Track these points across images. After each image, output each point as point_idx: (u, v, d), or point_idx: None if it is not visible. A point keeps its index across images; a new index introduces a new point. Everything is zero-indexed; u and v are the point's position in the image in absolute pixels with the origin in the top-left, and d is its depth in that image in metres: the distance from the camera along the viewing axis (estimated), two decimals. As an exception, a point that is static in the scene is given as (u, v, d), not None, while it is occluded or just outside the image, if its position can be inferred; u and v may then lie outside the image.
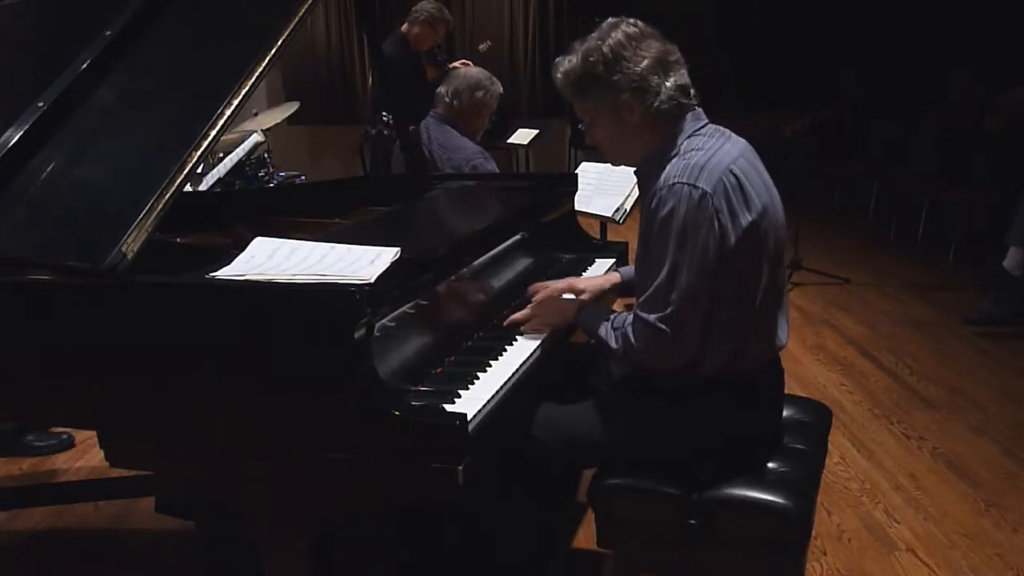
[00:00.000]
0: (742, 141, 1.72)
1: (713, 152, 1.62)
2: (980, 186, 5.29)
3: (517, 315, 1.91)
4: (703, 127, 1.70)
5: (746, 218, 1.59)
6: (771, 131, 4.99)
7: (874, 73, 7.22)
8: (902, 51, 7.48)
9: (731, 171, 1.60)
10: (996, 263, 4.18)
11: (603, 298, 2.04)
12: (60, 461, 2.95)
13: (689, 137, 1.67)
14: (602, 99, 1.68)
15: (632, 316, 1.67)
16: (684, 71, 1.69)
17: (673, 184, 1.58)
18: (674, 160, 1.64)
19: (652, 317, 1.61)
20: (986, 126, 5.57)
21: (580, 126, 1.78)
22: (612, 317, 1.76)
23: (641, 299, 1.65)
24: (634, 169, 1.80)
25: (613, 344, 1.70)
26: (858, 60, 7.32)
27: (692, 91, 1.69)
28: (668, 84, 1.65)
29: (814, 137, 6.20)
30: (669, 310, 1.59)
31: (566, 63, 1.71)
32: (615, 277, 2.09)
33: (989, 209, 5.21)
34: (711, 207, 1.56)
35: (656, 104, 1.65)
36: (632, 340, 1.65)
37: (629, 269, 2.10)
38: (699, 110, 1.71)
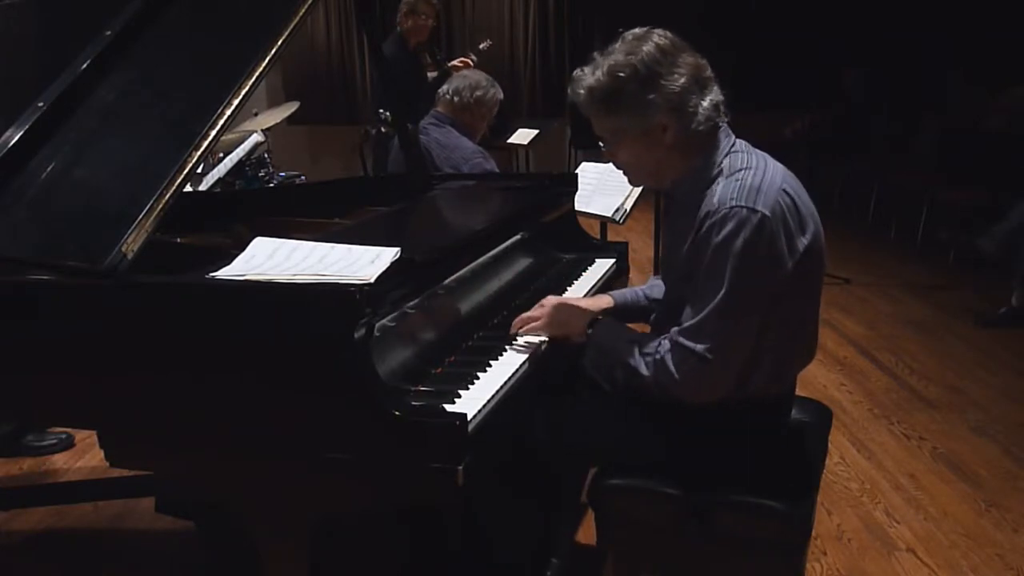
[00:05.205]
0: (768, 155, 1.64)
1: (763, 171, 1.54)
2: (980, 186, 5.30)
3: (521, 317, 1.83)
4: (735, 144, 1.62)
5: (802, 242, 1.53)
6: (771, 131, 4.99)
7: (875, 73, 7.22)
8: (902, 51, 7.48)
9: (785, 191, 1.52)
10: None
11: None
12: (60, 461, 2.95)
13: (727, 156, 1.59)
14: (632, 119, 1.56)
15: (671, 343, 1.56)
16: (717, 87, 1.58)
17: (732, 208, 1.48)
18: (722, 181, 1.54)
19: (700, 347, 1.51)
20: (986, 126, 5.57)
21: (601, 144, 1.66)
22: (638, 340, 1.65)
23: (686, 325, 1.55)
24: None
25: (644, 371, 1.59)
26: (859, 60, 7.31)
27: (723, 108, 1.59)
28: (705, 104, 1.55)
29: (814, 137, 6.20)
30: (719, 340, 1.51)
31: (590, 78, 1.56)
32: (606, 301, 1.94)
33: (989, 209, 5.21)
34: (770, 231, 1.47)
35: (692, 126, 1.55)
36: (672, 369, 1.54)
37: (623, 293, 2.00)
38: (726, 125, 1.62)
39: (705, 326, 1.52)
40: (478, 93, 3.25)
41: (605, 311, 1.92)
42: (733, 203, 1.49)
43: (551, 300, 1.86)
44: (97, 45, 1.85)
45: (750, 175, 1.53)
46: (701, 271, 1.54)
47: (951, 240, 5.04)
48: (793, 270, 1.52)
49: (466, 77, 3.34)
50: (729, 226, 1.48)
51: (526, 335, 1.80)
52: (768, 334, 1.56)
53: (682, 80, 1.53)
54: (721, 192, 1.53)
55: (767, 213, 1.48)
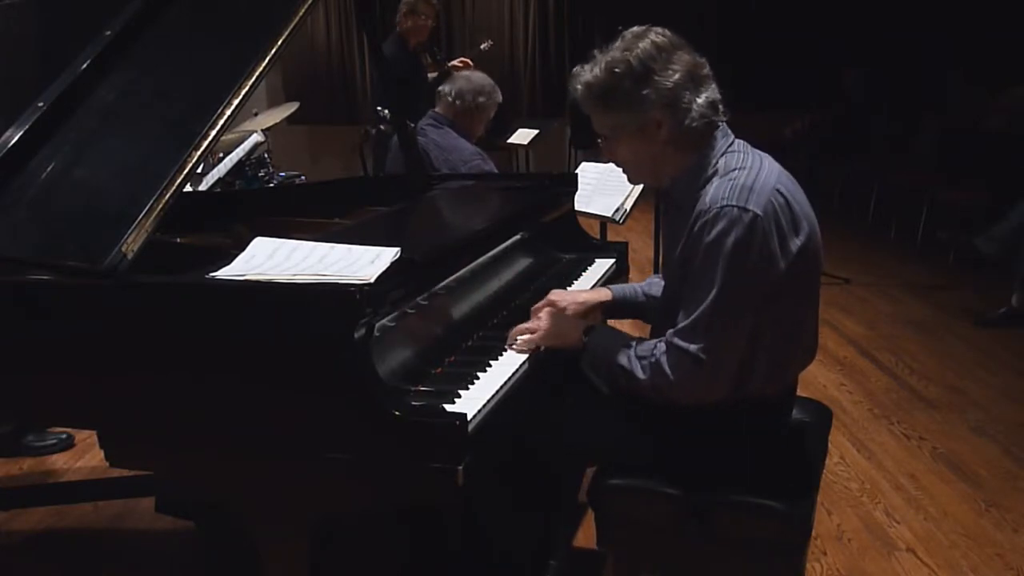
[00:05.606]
0: (768, 155, 1.64)
1: (757, 171, 1.54)
2: (980, 186, 5.30)
3: (518, 328, 1.79)
4: (733, 143, 1.62)
5: (795, 243, 1.52)
6: (771, 131, 5.00)
7: (875, 73, 7.23)
8: (902, 51, 7.49)
9: (778, 191, 1.52)
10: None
11: (588, 315, 1.94)
12: (60, 461, 2.95)
13: (723, 155, 1.59)
14: (627, 115, 1.57)
15: (665, 345, 1.57)
16: (714, 85, 1.59)
17: (723, 207, 1.49)
18: (716, 181, 1.55)
19: (693, 347, 1.51)
20: (986, 126, 5.58)
21: (599, 140, 1.67)
22: (634, 344, 1.65)
23: (680, 326, 1.55)
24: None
25: (640, 375, 1.59)
26: (859, 60, 7.32)
27: (721, 107, 1.60)
28: (699, 100, 1.56)
29: (814, 137, 6.20)
30: (713, 340, 1.51)
31: (588, 74, 1.59)
32: (605, 294, 1.98)
33: (989, 209, 5.22)
34: (761, 231, 1.47)
35: (686, 122, 1.56)
36: (667, 371, 1.54)
37: (622, 287, 2.02)
38: (724, 125, 1.62)
39: (698, 326, 1.52)
40: (480, 99, 3.24)
41: (603, 303, 1.94)
42: (724, 202, 1.49)
43: (546, 312, 1.82)
44: (97, 45, 1.85)
45: (743, 175, 1.53)
46: (693, 271, 1.54)
47: (951, 240, 5.05)
48: (786, 270, 1.52)
49: (469, 80, 3.32)
50: (720, 225, 1.48)
51: (521, 348, 1.76)
52: (762, 334, 1.56)
53: (676, 76, 1.54)
54: (713, 192, 1.53)
55: (759, 212, 1.48)
